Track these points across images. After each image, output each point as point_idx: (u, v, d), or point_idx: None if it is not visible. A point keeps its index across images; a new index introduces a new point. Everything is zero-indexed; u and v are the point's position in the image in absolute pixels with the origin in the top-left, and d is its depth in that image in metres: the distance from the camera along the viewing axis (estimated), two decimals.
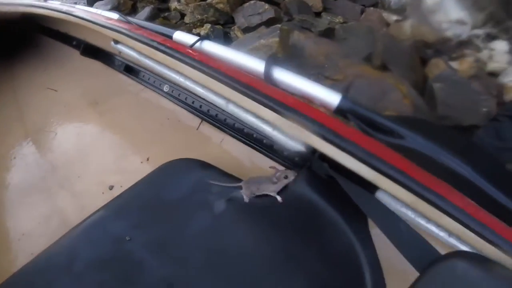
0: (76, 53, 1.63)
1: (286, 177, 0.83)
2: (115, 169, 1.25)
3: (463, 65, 3.23)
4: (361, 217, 0.76)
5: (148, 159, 1.24)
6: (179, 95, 1.32)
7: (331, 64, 2.34)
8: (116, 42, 1.29)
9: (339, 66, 2.30)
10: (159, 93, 1.38)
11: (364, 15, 3.31)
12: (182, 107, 1.30)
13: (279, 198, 0.82)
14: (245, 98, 0.79)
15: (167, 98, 1.34)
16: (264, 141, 1.10)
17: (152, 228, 0.78)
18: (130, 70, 1.49)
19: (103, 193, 1.18)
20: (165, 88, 1.35)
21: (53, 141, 1.42)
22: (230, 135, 1.19)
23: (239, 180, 0.88)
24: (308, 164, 0.90)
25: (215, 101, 0.98)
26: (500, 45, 3.35)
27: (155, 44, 0.99)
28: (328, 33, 2.84)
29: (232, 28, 2.93)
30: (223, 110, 1.13)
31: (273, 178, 0.83)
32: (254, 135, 1.12)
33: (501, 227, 0.56)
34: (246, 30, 2.84)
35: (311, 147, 0.79)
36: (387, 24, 3.33)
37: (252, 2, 2.94)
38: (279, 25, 2.26)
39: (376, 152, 0.63)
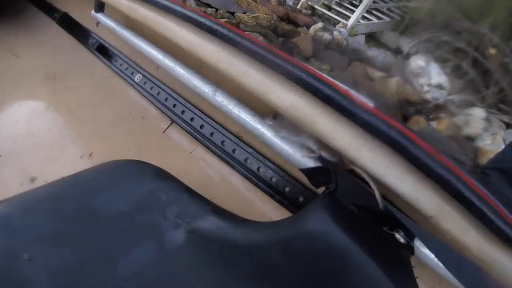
0: (53, 24, 1.50)
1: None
2: (45, 157, 1.03)
3: (441, 125, 3.34)
4: (406, 270, 0.52)
5: (90, 155, 1.03)
6: (151, 88, 1.12)
7: None
8: (98, 8, 1.16)
9: None
10: (128, 82, 1.20)
11: (350, 67, 3.43)
12: (151, 102, 1.10)
13: None
14: (254, 73, 0.58)
15: (136, 90, 1.17)
16: (248, 159, 0.85)
17: (67, 249, 0.50)
18: (103, 52, 1.34)
19: (21, 184, 0.96)
20: (137, 77, 1.17)
21: None
22: (205, 145, 0.95)
23: (208, 202, 0.64)
24: (331, 187, 0.59)
25: (199, 87, 0.80)
26: (476, 112, 3.51)
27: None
28: None
29: None
30: (200, 114, 0.97)
31: None
32: (236, 150, 0.88)
33: None
34: None
35: (333, 162, 0.59)
36: (371, 79, 3.45)
37: (247, 33, 2.99)
38: None
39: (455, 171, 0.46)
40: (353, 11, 4.50)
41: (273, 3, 4.31)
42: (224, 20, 3.03)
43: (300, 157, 0.62)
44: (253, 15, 3.49)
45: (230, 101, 0.74)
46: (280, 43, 3.10)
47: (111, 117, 1.15)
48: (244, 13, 3.65)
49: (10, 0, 1.72)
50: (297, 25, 3.90)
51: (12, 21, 1.68)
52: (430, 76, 4.24)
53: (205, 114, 0.97)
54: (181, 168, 0.95)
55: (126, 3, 0.91)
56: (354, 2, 4.95)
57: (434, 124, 3.35)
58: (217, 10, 3.52)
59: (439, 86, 4.13)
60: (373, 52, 3.97)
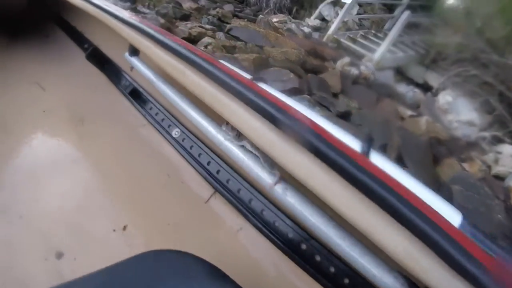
0: (82, 56, 1.36)
1: None
2: (72, 226, 0.90)
3: (472, 168, 3.23)
4: None
5: (124, 228, 0.90)
6: (191, 147, 0.97)
7: None
8: (133, 52, 1.05)
9: None
10: (164, 137, 1.05)
11: (379, 104, 3.37)
12: (191, 164, 0.95)
13: None
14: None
15: (174, 147, 1.01)
16: (318, 257, 0.70)
17: None
18: (137, 96, 1.20)
19: (46, 259, 0.81)
20: (175, 132, 1.03)
21: (8, 147, 1.08)
22: (253, 224, 0.80)
23: None
24: None
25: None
26: (506, 149, 3.40)
27: (193, 57, 0.69)
28: (345, 116, 2.85)
29: None
30: (249, 186, 0.82)
31: None
32: (289, 234, 0.74)
33: None
34: None
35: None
36: (402, 118, 3.38)
37: (276, 68, 2.98)
38: (307, 96, 2.21)
39: None
40: (378, 44, 4.48)
41: (299, 36, 4.35)
42: (254, 55, 3.04)
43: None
44: (281, 49, 3.51)
45: (301, 201, 0.62)
46: (309, 80, 3.07)
47: (147, 179, 1.01)
48: (273, 47, 3.67)
49: (39, 22, 1.61)
50: (324, 59, 3.90)
51: (39, 46, 1.57)
52: (459, 112, 4.15)
53: (255, 188, 0.81)
54: (226, 249, 0.83)
55: (160, 53, 0.79)
56: (378, 35, 4.95)
57: (466, 165, 3.24)
58: (246, 43, 3.54)
59: (469, 123, 4.03)
60: (401, 88, 3.91)
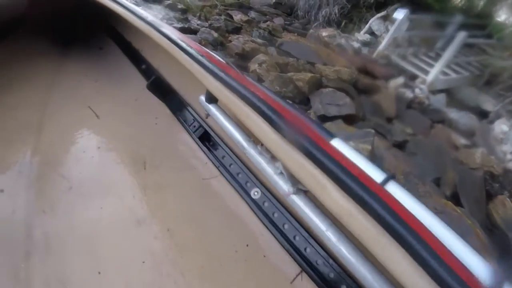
0: (141, 81, 1.19)
1: None
2: None
3: None
4: None
5: None
6: (273, 214, 0.80)
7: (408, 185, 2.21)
8: (210, 99, 0.87)
9: (417, 190, 2.17)
10: (241, 196, 0.86)
11: (433, 131, 3.24)
12: (274, 236, 0.79)
13: None
14: None
15: (253, 210, 0.83)
16: None
17: None
18: (206, 139, 0.99)
19: None
20: (254, 193, 0.84)
21: (54, 186, 0.90)
22: None
23: None
24: None
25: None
26: None
27: (277, 119, 0.58)
28: (401, 145, 2.77)
29: (308, 111, 2.84)
30: (341, 271, 0.69)
31: None
32: None
33: None
34: (322, 118, 2.73)
35: None
36: (456, 147, 3.24)
37: (330, 89, 2.92)
38: (371, 131, 2.16)
39: None
40: (429, 64, 4.32)
41: (349, 52, 4.26)
42: (308, 75, 3.00)
43: None
44: (334, 68, 3.45)
45: None
46: (363, 103, 3.01)
47: (222, 247, 0.83)
48: (324, 64, 3.62)
49: (92, 34, 1.45)
50: (375, 77, 3.80)
51: (93, 60, 1.38)
52: None
53: (347, 274, 0.68)
54: None
55: (239, 103, 0.67)
56: (430, 54, 4.76)
57: None
58: (297, 59, 3.51)
59: None
60: (455, 113, 3.75)
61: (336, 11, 5.29)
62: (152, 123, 1.12)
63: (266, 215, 0.81)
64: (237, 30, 4.01)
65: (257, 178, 0.86)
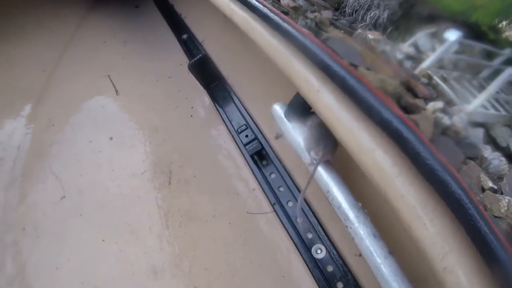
0: (178, 54, 0.94)
1: None
2: None
3: None
4: None
5: None
6: (336, 282, 0.60)
7: None
8: (295, 111, 0.61)
9: None
10: (298, 250, 0.64)
11: (465, 167, 3.09)
12: None
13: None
14: None
15: (311, 273, 0.62)
16: None
17: None
18: (261, 157, 0.72)
19: None
20: (317, 250, 0.63)
21: (43, 192, 0.70)
22: None
23: None
24: None
25: None
26: None
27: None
28: None
29: None
30: None
31: None
32: None
33: None
34: None
35: None
36: (483, 189, 3.08)
37: None
38: None
39: None
40: (471, 93, 4.11)
41: (394, 62, 4.02)
42: None
43: None
44: (378, 76, 3.23)
45: None
46: None
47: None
48: (367, 69, 3.40)
49: None
50: (415, 95, 3.59)
51: (124, 18, 1.14)
52: None
53: None
54: None
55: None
56: (473, 82, 4.53)
57: None
58: (341, 59, 3.28)
59: None
60: (487, 152, 3.56)
61: (385, 15, 5.00)
62: (186, 115, 0.83)
63: (327, 281, 0.58)
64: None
65: (324, 231, 0.62)
